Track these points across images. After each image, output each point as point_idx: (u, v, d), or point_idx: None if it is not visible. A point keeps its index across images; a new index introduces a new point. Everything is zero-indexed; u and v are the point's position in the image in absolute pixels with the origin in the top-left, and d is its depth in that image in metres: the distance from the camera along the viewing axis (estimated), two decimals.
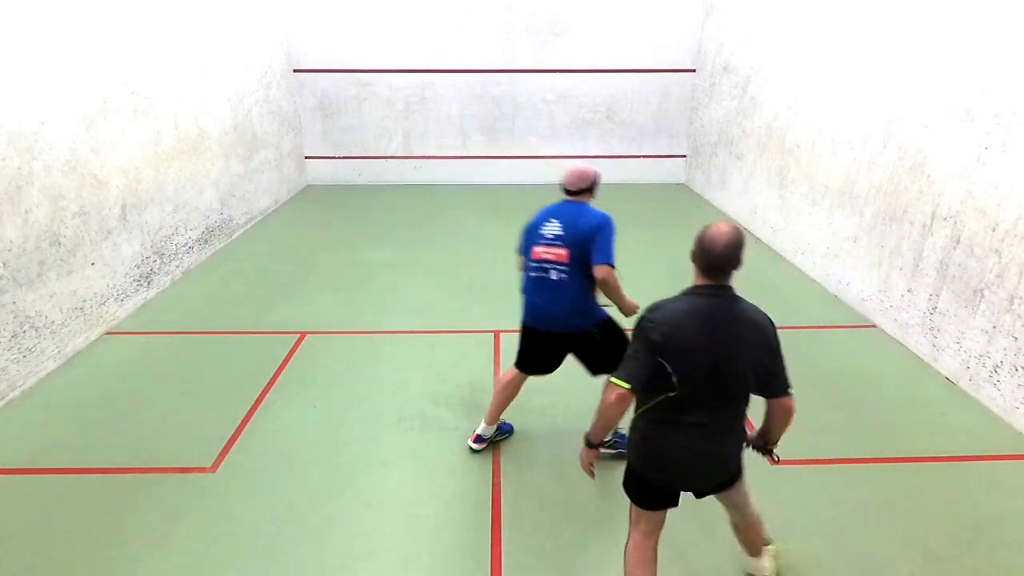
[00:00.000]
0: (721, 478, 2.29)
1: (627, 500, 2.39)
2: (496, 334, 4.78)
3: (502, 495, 3.17)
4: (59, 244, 4.39)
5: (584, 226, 2.95)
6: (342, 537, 2.90)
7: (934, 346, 4.35)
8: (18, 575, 2.70)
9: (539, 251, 3.02)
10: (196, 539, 2.88)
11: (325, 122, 9.39)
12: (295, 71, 9.01)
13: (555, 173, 10.88)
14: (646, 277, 6.03)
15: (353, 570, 2.73)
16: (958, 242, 4.12)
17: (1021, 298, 3.66)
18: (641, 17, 8.88)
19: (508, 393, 3.35)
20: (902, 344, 4.67)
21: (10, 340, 3.96)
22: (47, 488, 3.22)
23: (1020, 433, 3.67)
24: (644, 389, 2.05)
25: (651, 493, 2.28)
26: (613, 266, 2.91)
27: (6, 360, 3.93)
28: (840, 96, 5.51)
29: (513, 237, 7.25)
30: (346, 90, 9.19)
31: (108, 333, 4.86)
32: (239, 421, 3.76)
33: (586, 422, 3.72)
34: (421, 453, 3.50)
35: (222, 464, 3.39)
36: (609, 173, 9.76)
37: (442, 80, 9.18)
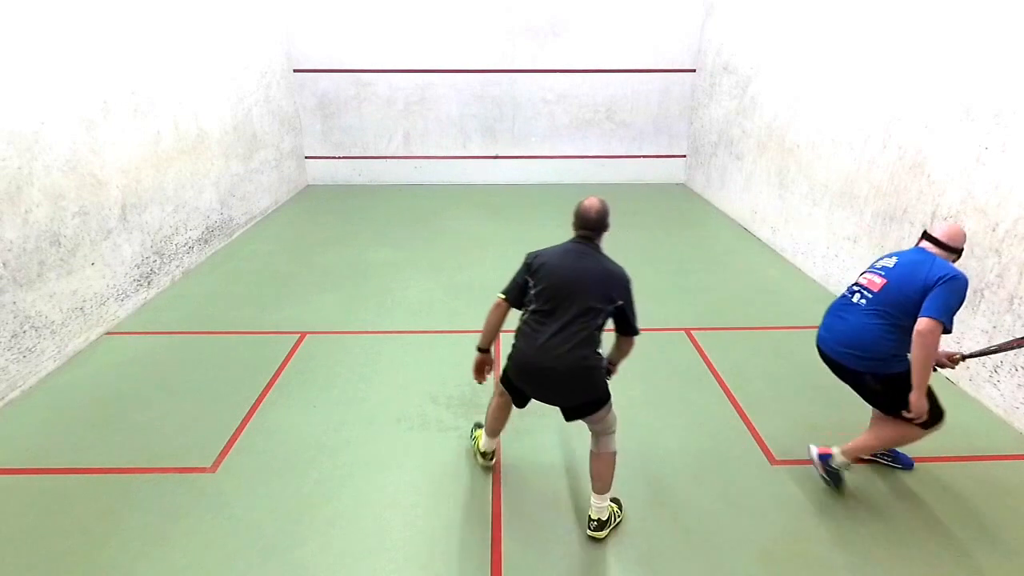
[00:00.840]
0: (579, 397, 2.73)
1: (625, 499, 2.90)
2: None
3: (502, 495, 3.17)
4: (59, 244, 4.39)
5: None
6: (342, 537, 2.90)
7: None
8: (18, 575, 2.70)
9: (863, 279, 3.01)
10: (196, 539, 2.88)
11: (325, 122, 9.39)
12: (295, 71, 9.01)
13: (555, 173, 10.80)
14: (646, 277, 6.04)
15: (353, 570, 2.73)
16: None
17: (1021, 298, 3.66)
18: (641, 17, 8.88)
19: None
20: None
21: (10, 340, 3.96)
22: (47, 488, 3.22)
23: (1020, 433, 3.67)
24: (519, 306, 2.79)
25: (511, 388, 2.93)
26: None
27: (6, 360, 3.93)
28: (840, 96, 5.51)
29: (513, 237, 7.19)
30: (346, 90, 9.19)
31: (108, 333, 4.86)
32: (239, 421, 3.76)
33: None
34: (421, 453, 3.49)
35: (222, 464, 3.39)
36: (609, 173, 9.81)
37: (442, 80, 9.18)
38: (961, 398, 4.03)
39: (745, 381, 4.19)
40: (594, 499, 2.87)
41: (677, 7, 8.82)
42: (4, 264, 3.92)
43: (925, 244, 2.86)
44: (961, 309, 4.09)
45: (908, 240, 4.59)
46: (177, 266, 5.95)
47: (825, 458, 3.12)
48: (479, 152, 9.65)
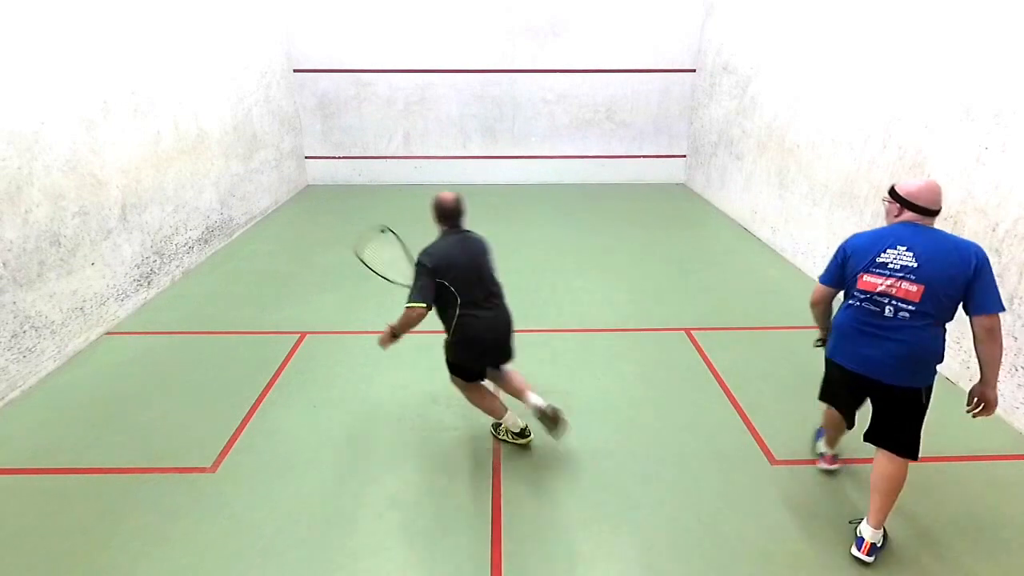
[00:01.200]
0: (510, 349, 3.33)
1: (625, 499, 2.90)
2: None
3: (502, 495, 3.17)
4: (59, 244, 4.39)
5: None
6: (342, 537, 2.90)
7: None
8: (18, 575, 2.70)
9: (870, 280, 2.56)
10: (196, 539, 2.88)
11: (325, 122, 9.39)
12: (295, 71, 9.01)
13: (555, 173, 10.78)
14: (646, 277, 6.04)
15: (353, 570, 2.73)
16: None
17: (1021, 298, 3.65)
18: (641, 17, 8.88)
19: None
20: None
21: (10, 340, 3.96)
22: (47, 488, 3.22)
23: (1020, 433, 3.67)
24: (440, 310, 3.14)
25: (472, 374, 3.37)
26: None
27: (6, 360, 3.93)
28: (840, 96, 5.50)
29: (513, 237, 7.18)
30: (346, 90, 9.19)
31: (108, 333, 4.86)
32: (239, 421, 3.76)
33: (587, 421, 3.74)
34: (421, 453, 3.49)
35: (222, 464, 3.39)
36: (609, 173, 9.81)
37: (442, 80, 9.18)
38: (961, 398, 4.00)
39: (745, 381, 4.19)
40: (530, 395, 3.32)
41: (677, 7, 8.82)
42: (4, 264, 3.92)
43: (918, 218, 2.52)
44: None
45: None
46: (177, 266, 5.95)
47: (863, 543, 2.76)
48: (479, 152, 9.65)
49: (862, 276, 2.55)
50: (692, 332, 4.87)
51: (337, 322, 5.05)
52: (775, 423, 3.75)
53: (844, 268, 2.65)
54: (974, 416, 2.68)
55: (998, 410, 3.82)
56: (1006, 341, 3.74)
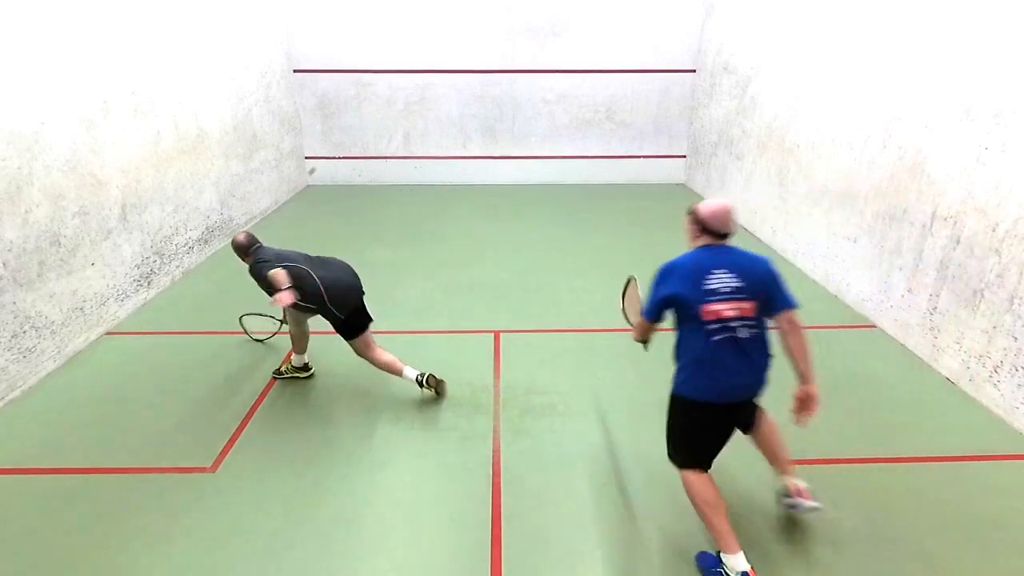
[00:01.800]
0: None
1: (624, 501, 2.87)
2: (496, 334, 4.78)
3: (502, 495, 3.17)
4: (59, 244, 4.39)
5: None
6: (342, 537, 2.90)
7: (934, 346, 4.35)
8: (18, 575, 2.70)
9: (713, 310, 2.50)
10: (196, 539, 2.88)
11: (325, 122, 9.39)
12: (295, 71, 9.01)
13: (555, 173, 10.77)
14: (646, 277, 6.03)
15: (353, 570, 2.73)
16: (958, 242, 4.12)
17: (1021, 298, 3.66)
18: (641, 17, 8.88)
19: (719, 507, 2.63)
20: (902, 344, 4.66)
21: (10, 340, 3.96)
22: (47, 488, 3.22)
23: (1020, 433, 3.67)
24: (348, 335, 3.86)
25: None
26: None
27: (6, 360, 3.93)
28: (840, 96, 5.51)
29: (513, 237, 7.17)
30: (346, 90, 9.19)
31: (108, 333, 4.86)
32: (239, 421, 3.76)
33: (587, 421, 3.74)
34: (421, 453, 3.49)
35: (222, 464, 3.39)
36: (609, 173, 9.81)
37: (442, 80, 9.18)
38: (961, 398, 4.03)
39: None
40: (407, 371, 3.96)
41: (677, 7, 8.82)
42: (4, 264, 3.92)
43: (714, 240, 2.63)
44: (961, 309, 4.12)
45: (908, 240, 4.59)
46: (177, 266, 5.95)
47: (790, 496, 2.90)
48: (479, 152, 9.65)
49: (704, 307, 2.49)
50: None
51: None
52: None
53: (668, 304, 2.64)
54: (799, 418, 2.67)
55: (998, 410, 3.82)
56: (1007, 341, 3.74)
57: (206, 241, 6.52)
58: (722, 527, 2.56)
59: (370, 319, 3.93)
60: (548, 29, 8.95)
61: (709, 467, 2.68)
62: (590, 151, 9.67)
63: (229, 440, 3.59)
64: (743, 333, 2.49)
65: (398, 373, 3.92)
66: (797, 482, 2.88)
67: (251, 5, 7.60)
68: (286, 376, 4.22)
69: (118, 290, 5.05)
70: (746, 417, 2.82)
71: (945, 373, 4.25)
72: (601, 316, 5.18)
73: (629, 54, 9.08)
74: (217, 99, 6.76)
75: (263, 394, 4.05)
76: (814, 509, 2.83)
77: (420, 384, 3.90)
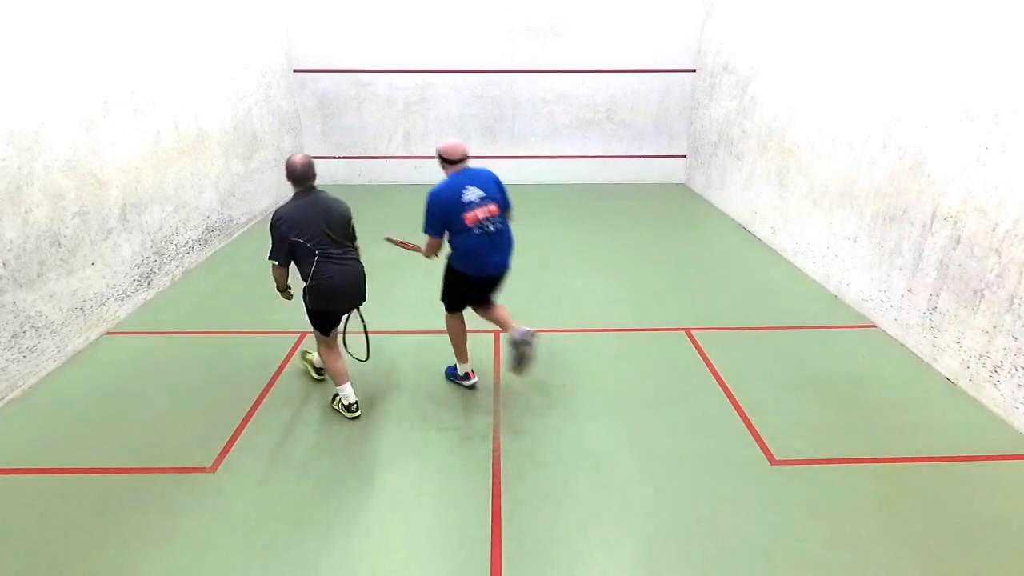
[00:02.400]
0: (361, 295, 3.73)
1: (624, 501, 2.89)
2: (496, 334, 4.78)
3: (502, 495, 3.17)
4: (59, 244, 4.39)
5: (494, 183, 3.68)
6: (342, 537, 2.90)
7: (934, 346, 4.35)
8: (18, 575, 2.70)
9: (472, 216, 3.53)
10: (196, 539, 2.88)
11: (325, 122, 9.39)
12: (295, 71, 9.01)
13: (555, 173, 10.75)
14: (646, 276, 6.04)
15: (353, 570, 2.73)
16: (958, 242, 4.12)
17: (1021, 298, 3.66)
18: (641, 17, 8.88)
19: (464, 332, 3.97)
20: (902, 344, 4.67)
21: (10, 340, 3.96)
22: (47, 488, 3.22)
23: (1020, 433, 3.67)
24: (300, 263, 3.48)
25: (328, 322, 3.69)
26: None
27: (6, 360, 3.93)
28: (840, 96, 5.51)
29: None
30: (346, 90, 9.18)
31: (108, 333, 4.86)
32: (239, 421, 3.76)
33: (587, 421, 3.75)
34: (421, 453, 3.50)
35: (222, 464, 3.39)
36: (609, 173, 9.81)
37: (442, 80, 9.17)
38: (961, 398, 4.03)
39: (745, 381, 4.19)
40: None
41: (677, 7, 8.82)
42: (4, 264, 3.92)
43: (457, 167, 3.60)
44: (961, 309, 4.11)
45: (908, 240, 4.60)
46: (177, 266, 5.95)
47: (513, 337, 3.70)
48: (479, 152, 9.64)
49: (465, 216, 3.51)
50: (692, 332, 4.87)
51: None
52: (775, 423, 3.75)
53: (445, 221, 3.54)
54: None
55: (998, 410, 3.82)
56: (1007, 341, 3.75)
57: (206, 241, 6.52)
58: (461, 348, 3.96)
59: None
60: (548, 29, 8.95)
61: (462, 311, 3.90)
62: (590, 151, 9.67)
63: (229, 440, 3.59)
64: (492, 228, 3.59)
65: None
66: (515, 326, 3.70)
67: (251, 5, 7.60)
68: (315, 372, 4.19)
69: (118, 290, 5.05)
70: (487, 293, 3.86)
71: (945, 373, 4.25)
72: (601, 316, 5.19)
73: (629, 54, 9.08)
74: (217, 99, 6.76)
75: (263, 394, 4.05)
76: (526, 334, 3.63)
77: (335, 403, 3.85)
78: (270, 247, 3.48)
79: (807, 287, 5.78)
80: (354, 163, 9.64)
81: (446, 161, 3.62)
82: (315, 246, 3.42)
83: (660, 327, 4.97)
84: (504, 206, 3.70)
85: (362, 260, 3.72)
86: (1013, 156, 3.71)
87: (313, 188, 3.54)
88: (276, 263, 3.53)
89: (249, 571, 2.72)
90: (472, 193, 3.54)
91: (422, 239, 3.67)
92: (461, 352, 3.99)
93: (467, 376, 4.06)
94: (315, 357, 4.14)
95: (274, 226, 3.44)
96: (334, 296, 3.58)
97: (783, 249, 6.57)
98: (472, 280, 3.73)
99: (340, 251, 3.53)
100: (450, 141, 3.65)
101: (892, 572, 2.72)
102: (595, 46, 9.03)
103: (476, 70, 9.13)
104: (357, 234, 3.71)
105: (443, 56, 9.01)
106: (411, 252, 3.86)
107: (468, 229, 3.53)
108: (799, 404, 3.94)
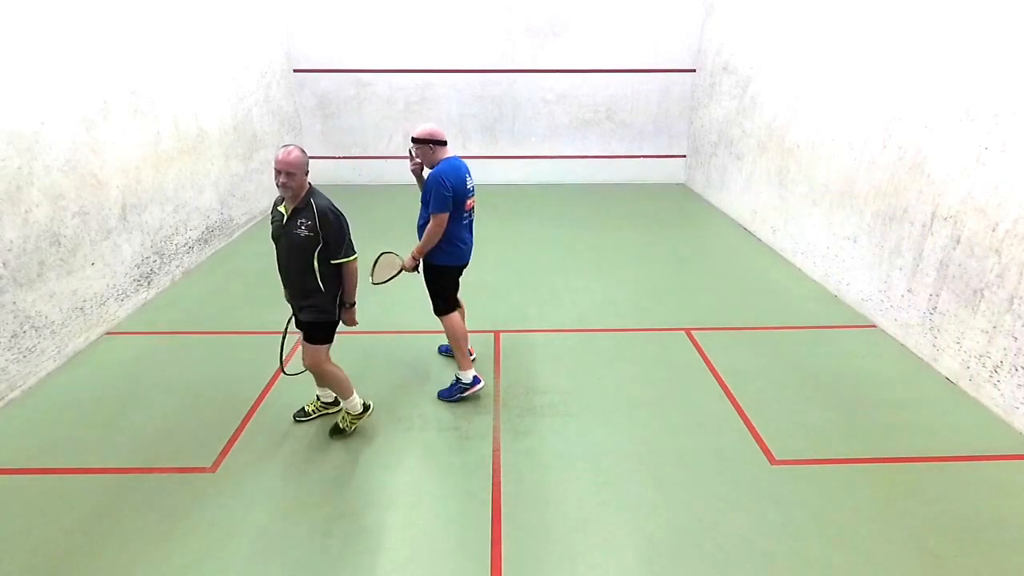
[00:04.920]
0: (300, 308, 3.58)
1: (625, 499, 2.87)
2: (496, 334, 4.78)
3: (502, 495, 3.17)
4: (59, 244, 4.39)
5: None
6: (342, 537, 2.90)
7: (934, 346, 4.35)
8: (18, 575, 2.70)
9: (471, 202, 3.70)
10: (196, 539, 2.88)
11: (325, 122, 9.39)
12: (295, 71, 9.01)
13: (555, 173, 10.75)
14: (646, 277, 6.04)
15: (353, 570, 2.73)
16: (958, 242, 4.12)
17: (1021, 298, 3.66)
18: (641, 17, 8.88)
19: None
20: (902, 344, 4.67)
21: (10, 340, 3.96)
22: (47, 488, 3.22)
23: (1020, 433, 3.67)
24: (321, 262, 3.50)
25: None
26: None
27: (6, 360, 3.93)
28: (840, 96, 5.51)
29: (513, 237, 7.20)
30: (346, 90, 9.19)
31: (108, 333, 4.86)
32: (239, 421, 3.76)
33: (587, 421, 3.74)
34: (421, 453, 3.50)
35: (222, 464, 3.39)
36: (609, 173, 9.81)
37: (442, 80, 9.18)
38: (961, 398, 4.03)
39: (745, 381, 4.19)
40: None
41: (677, 7, 8.82)
42: (4, 264, 3.92)
43: (446, 149, 3.60)
44: (961, 309, 4.11)
45: (908, 240, 4.60)
46: (177, 266, 5.95)
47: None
48: (479, 152, 9.65)
49: (467, 202, 3.63)
50: (692, 332, 4.87)
51: None
52: (775, 423, 3.75)
53: (455, 200, 3.53)
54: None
55: (998, 410, 3.82)
56: (1007, 341, 3.75)
57: (206, 241, 6.52)
58: (464, 348, 3.90)
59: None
60: (548, 29, 8.95)
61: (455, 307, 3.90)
62: (590, 151, 9.67)
63: (229, 440, 3.59)
64: (472, 218, 3.76)
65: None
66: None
67: (251, 5, 7.60)
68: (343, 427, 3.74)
69: (118, 290, 5.05)
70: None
71: (945, 373, 4.25)
72: (601, 316, 5.19)
73: (629, 54, 9.08)
74: (217, 99, 6.76)
75: (263, 394, 4.05)
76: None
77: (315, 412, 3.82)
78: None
79: (807, 287, 5.78)
80: (354, 163, 9.64)
81: (439, 143, 3.59)
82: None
83: (660, 327, 4.97)
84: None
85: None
86: (1013, 156, 3.71)
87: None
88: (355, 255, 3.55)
89: (249, 571, 2.72)
90: (471, 182, 3.68)
91: (434, 219, 3.54)
92: (464, 354, 3.92)
93: (476, 380, 3.93)
94: (323, 393, 3.84)
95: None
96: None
97: (783, 249, 6.57)
98: (457, 270, 3.85)
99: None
100: (429, 126, 3.59)
101: (892, 572, 2.72)
102: (595, 46, 9.03)
103: (476, 70, 9.13)
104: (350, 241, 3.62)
105: (443, 56, 9.01)
106: (401, 275, 3.85)
107: (463, 215, 3.64)
108: (799, 404, 3.94)
